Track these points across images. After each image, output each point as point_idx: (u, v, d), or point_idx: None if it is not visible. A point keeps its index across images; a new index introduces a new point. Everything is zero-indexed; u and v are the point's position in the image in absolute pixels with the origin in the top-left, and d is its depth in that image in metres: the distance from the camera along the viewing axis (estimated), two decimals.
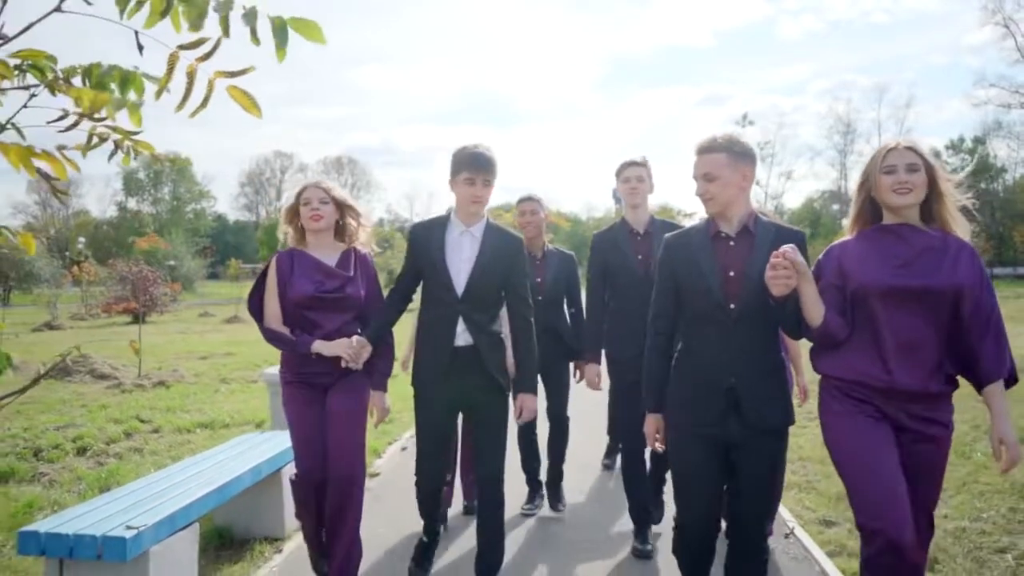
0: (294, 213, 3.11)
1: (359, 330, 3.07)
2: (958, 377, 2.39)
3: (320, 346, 2.97)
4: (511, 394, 3.13)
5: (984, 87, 50.80)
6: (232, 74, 1.94)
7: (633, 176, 3.68)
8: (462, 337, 2.96)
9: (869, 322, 2.32)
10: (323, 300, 3.01)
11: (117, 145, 2.37)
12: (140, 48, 2.02)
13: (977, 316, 2.29)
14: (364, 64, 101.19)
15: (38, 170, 2.08)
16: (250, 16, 1.84)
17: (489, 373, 2.98)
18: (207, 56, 1.93)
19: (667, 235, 2.65)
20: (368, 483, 4.94)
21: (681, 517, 2.56)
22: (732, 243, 2.45)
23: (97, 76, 2.14)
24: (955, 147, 57.11)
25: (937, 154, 55.94)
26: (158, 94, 2.00)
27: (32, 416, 7.03)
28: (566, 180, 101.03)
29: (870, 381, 2.31)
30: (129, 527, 2.59)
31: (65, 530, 2.58)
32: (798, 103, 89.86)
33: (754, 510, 2.50)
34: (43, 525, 2.64)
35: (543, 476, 4.35)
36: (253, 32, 1.86)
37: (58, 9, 2.00)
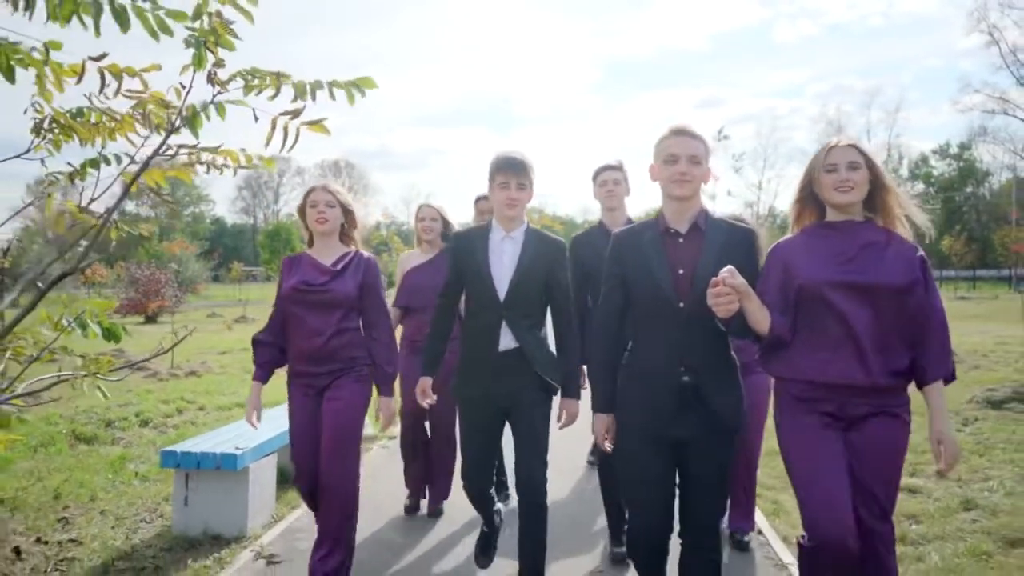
0: (303, 213, 3.21)
1: (358, 326, 3.17)
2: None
3: (253, 390, 3.19)
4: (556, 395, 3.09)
5: (969, 93, 52.61)
6: (311, 123, 3.09)
7: (610, 179, 3.77)
8: (505, 341, 2.98)
9: (816, 320, 2.31)
10: (305, 293, 3.06)
11: (208, 165, 3.62)
12: (256, 118, 3.18)
13: (920, 315, 2.30)
14: (361, 68, 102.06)
15: (150, 188, 3.25)
16: (332, 86, 3.01)
17: (534, 373, 2.96)
18: (295, 115, 3.08)
19: (616, 231, 2.64)
20: (387, 443, 6.09)
21: (632, 519, 2.54)
22: (682, 240, 2.44)
23: (193, 115, 3.31)
24: (942, 152, 58.50)
25: (924, 159, 57.27)
26: (266, 143, 3.15)
27: (91, 398, 8.12)
28: (563, 183, 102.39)
29: (819, 379, 2.30)
30: (238, 448, 3.73)
31: (193, 450, 3.72)
32: (796, 106, 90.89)
33: (704, 510, 2.47)
34: (178, 447, 3.78)
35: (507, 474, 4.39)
36: (331, 94, 3.01)
37: (212, 102, 3.16)
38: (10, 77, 3.05)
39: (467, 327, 3.12)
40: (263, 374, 3.17)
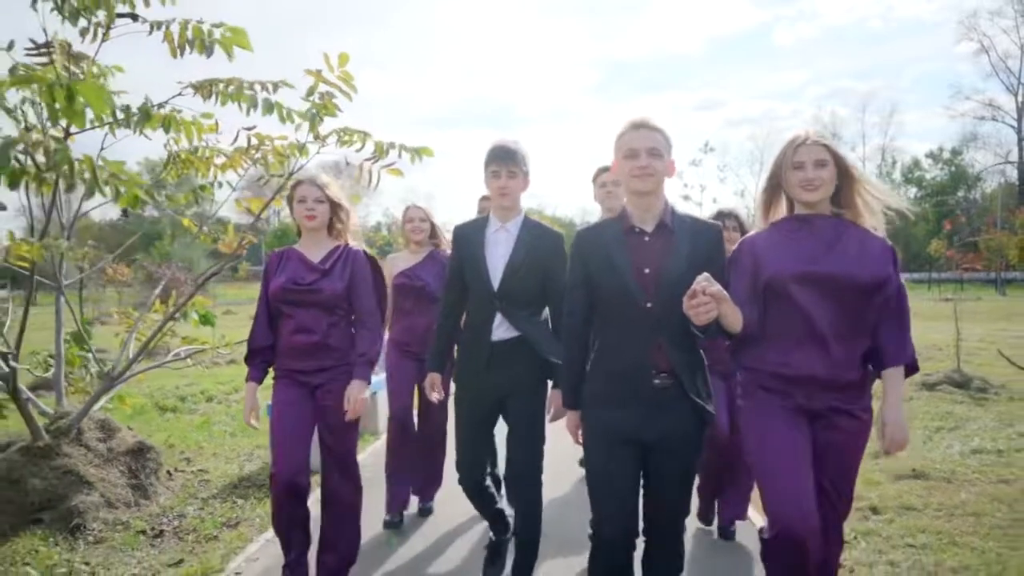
0: (291, 206, 3.12)
1: (349, 323, 3.10)
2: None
3: (247, 389, 3.07)
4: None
5: (961, 100, 53.98)
6: (388, 166, 4.34)
7: (609, 181, 3.80)
8: (498, 332, 3.00)
9: (784, 312, 2.31)
10: (294, 292, 3.00)
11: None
12: (347, 163, 4.44)
13: (885, 304, 2.32)
14: (362, 69, 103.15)
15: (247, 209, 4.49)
16: (401, 148, 4.26)
17: (529, 364, 2.98)
18: (375, 161, 4.34)
19: (579, 229, 2.57)
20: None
21: (596, 522, 2.45)
22: (647, 239, 2.38)
23: (280, 155, 4.58)
24: (935, 157, 59.79)
25: (917, 163, 58.39)
26: (356, 181, 4.42)
27: (154, 380, 9.38)
28: (562, 185, 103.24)
29: (785, 371, 2.31)
30: None
31: None
32: (795, 108, 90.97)
33: (671, 511, 2.44)
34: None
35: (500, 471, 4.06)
36: (415, 154, 4.24)
37: (317, 153, 4.42)
38: (167, 131, 4.38)
39: (466, 317, 3.18)
40: (258, 374, 3.09)
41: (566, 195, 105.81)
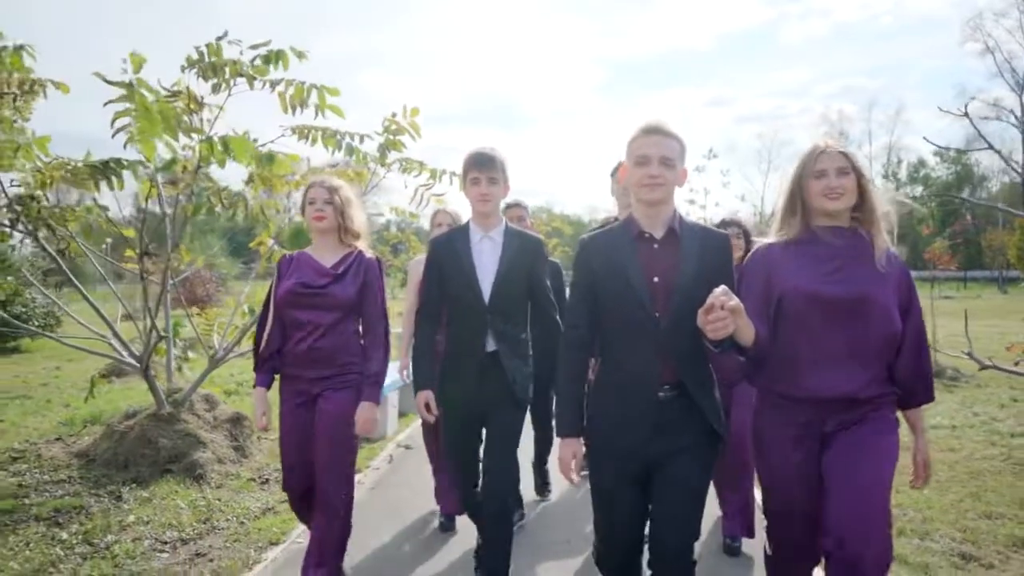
0: (303, 211, 3.10)
1: (356, 330, 3.07)
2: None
3: (256, 395, 3.10)
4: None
5: (964, 100, 54.46)
6: (437, 195, 5.37)
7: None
8: (491, 343, 2.97)
9: (797, 331, 2.25)
10: (304, 296, 2.97)
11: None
12: (405, 186, 5.45)
13: (904, 334, 2.27)
14: (369, 68, 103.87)
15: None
16: (452, 174, 5.28)
17: (509, 382, 2.95)
18: (428, 188, 5.36)
19: (583, 236, 2.48)
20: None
21: (600, 540, 2.43)
22: (656, 246, 2.28)
23: (348, 179, 5.56)
24: (942, 156, 60.38)
25: (923, 163, 58.97)
26: (409, 202, 5.42)
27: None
28: (570, 183, 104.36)
29: (796, 392, 2.26)
30: None
31: None
32: (804, 105, 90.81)
33: (679, 531, 2.27)
34: None
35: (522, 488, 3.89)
36: (460, 180, 5.23)
37: (383, 177, 5.43)
38: (268, 170, 5.38)
39: (451, 330, 3.09)
40: (266, 379, 3.11)
41: (573, 193, 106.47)
